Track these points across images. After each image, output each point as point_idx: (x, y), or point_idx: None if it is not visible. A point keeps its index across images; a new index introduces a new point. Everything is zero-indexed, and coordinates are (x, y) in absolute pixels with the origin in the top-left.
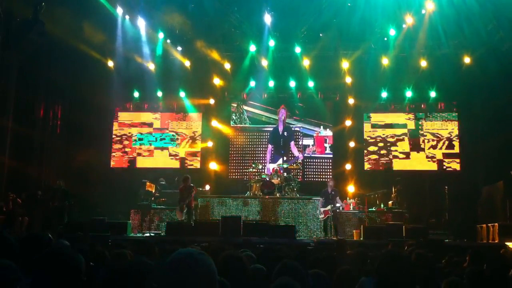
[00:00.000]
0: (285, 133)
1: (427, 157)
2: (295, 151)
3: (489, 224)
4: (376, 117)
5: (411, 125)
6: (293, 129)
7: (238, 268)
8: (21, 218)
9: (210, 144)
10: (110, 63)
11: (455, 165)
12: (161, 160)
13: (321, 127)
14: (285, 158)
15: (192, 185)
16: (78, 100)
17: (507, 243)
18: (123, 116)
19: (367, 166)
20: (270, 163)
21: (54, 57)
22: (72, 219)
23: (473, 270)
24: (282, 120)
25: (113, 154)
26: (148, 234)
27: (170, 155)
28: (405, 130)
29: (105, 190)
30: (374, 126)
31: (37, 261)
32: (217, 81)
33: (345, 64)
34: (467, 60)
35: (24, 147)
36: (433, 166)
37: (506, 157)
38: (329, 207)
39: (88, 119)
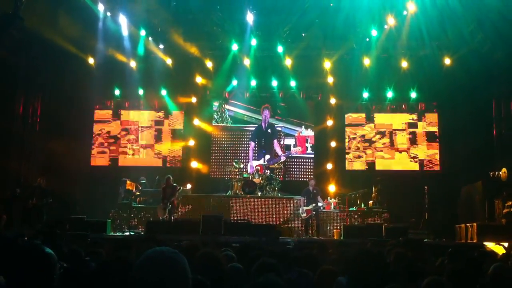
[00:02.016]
0: (269, 130)
1: (409, 157)
2: (278, 150)
3: (468, 224)
4: (357, 118)
5: (392, 125)
6: (275, 126)
7: (214, 267)
8: None
9: (191, 142)
10: (91, 60)
11: (435, 165)
12: (144, 159)
13: (303, 126)
14: (268, 156)
15: (175, 184)
16: (58, 97)
17: (485, 243)
18: (103, 114)
19: (348, 165)
20: (253, 160)
21: (34, 53)
22: (51, 217)
23: (453, 268)
24: (265, 120)
25: (95, 151)
26: (127, 233)
27: (155, 154)
28: (385, 130)
29: (85, 188)
30: (355, 125)
31: (9, 260)
32: (199, 80)
33: (327, 64)
34: (448, 61)
35: (2, 143)
36: (414, 166)
37: (485, 157)
38: (311, 206)
39: (68, 116)
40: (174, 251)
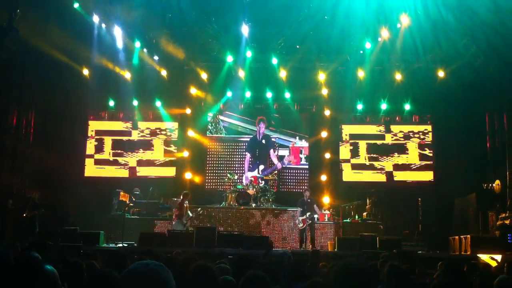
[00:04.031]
0: (263, 141)
1: (401, 168)
2: (274, 159)
3: (462, 236)
4: (351, 129)
5: (386, 137)
6: (270, 137)
7: (208, 279)
8: None
9: (186, 154)
10: (85, 71)
11: (429, 177)
12: (137, 170)
13: (297, 138)
14: (262, 167)
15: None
16: (52, 108)
17: (478, 255)
18: (97, 125)
19: (345, 178)
20: (248, 171)
21: (28, 65)
22: (44, 229)
23: (441, 281)
24: (259, 131)
25: (88, 162)
26: (121, 245)
27: (149, 164)
28: (379, 142)
29: (78, 199)
30: (350, 137)
31: (6, 276)
32: (193, 91)
33: (321, 76)
34: (441, 73)
35: None
36: (408, 177)
37: (479, 169)
38: (306, 215)
39: (62, 127)
40: (159, 264)
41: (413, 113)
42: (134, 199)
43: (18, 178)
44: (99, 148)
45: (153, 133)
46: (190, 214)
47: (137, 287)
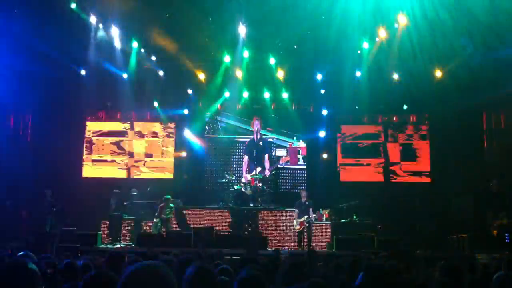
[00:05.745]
0: (260, 143)
1: (399, 167)
2: (267, 165)
3: (460, 235)
4: (349, 129)
5: (383, 137)
6: (267, 140)
7: (206, 281)
8: None
9: (184, 154)
10: (83, 72)
11: (426, 177)
12: (134, 171)
13: (295, 138)
14: (259, 169)
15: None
16: (49, 109)
17: (476, 254)
18: (94, 125)
19: (342, 177)
20: (246, 173)
21: (25, 65)
22: (42, 230)
23: (440, 282)
24: (256, 131)
25: (85, 163)
26: (118, 245)
27: (146, 165)
28: (377, 142)
29: (76, 200)
30: (347, 137)
31: None
32: (191, 91)
33: (319, 76)
34: (438, 73)
35: None
36: (406, 177)
37: (476, 169)
38: (304, 218)
39: (59, 128)
40: (161, 265)
41: (411, 113)
42: (131, 199)
43: (15, 179)
44: (97, 149)
45: (151, 133)
46: (164, 216)
47: (139, 286)
